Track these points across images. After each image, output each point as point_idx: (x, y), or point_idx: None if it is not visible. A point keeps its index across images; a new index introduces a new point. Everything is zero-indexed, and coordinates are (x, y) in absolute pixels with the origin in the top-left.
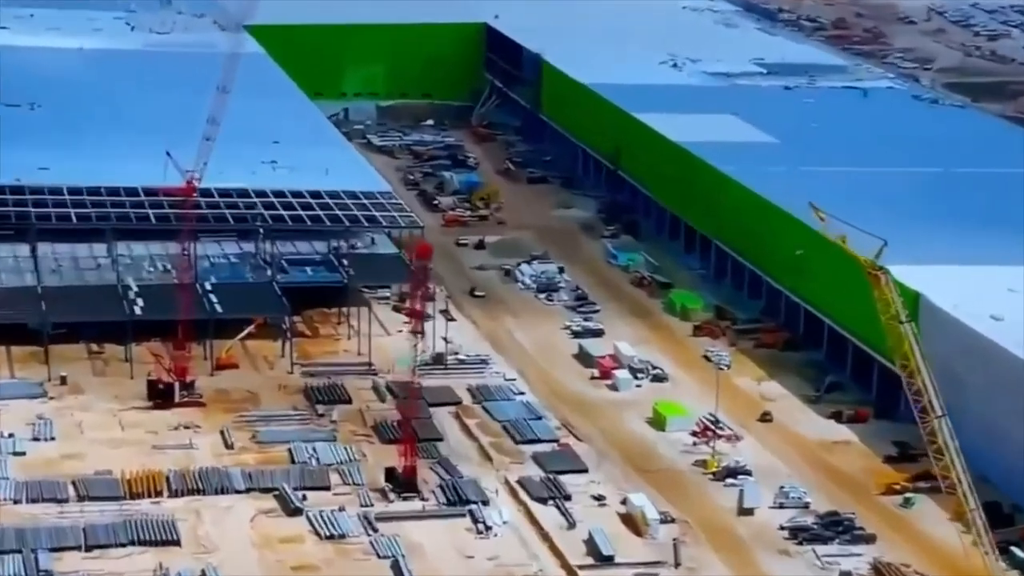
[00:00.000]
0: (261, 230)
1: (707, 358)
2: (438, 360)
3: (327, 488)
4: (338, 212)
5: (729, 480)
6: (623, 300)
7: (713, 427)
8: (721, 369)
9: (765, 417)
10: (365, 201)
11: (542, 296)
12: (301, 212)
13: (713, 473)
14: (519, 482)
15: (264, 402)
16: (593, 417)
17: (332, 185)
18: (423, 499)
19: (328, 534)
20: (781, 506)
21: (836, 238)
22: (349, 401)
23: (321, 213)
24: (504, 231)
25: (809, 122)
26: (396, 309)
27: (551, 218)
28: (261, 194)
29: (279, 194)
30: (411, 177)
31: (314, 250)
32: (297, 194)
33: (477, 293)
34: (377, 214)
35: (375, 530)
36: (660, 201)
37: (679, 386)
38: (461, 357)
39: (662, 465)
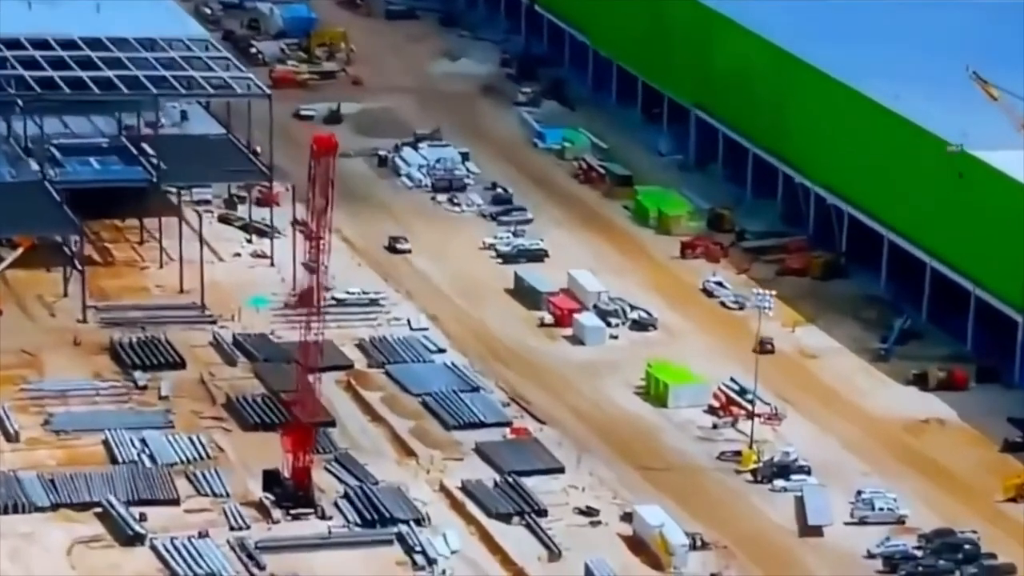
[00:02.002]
0: (19, 101)
1: (707, 292)
2: (305, 300)
3: (175, 502)
4: (135, 71)
5: (779, 482)
6: (564, 203)
7: (741, 400)
8: (764, 312)
9: (765, 347)
10: (172, 54)
11: (443, 198)
12: (78, 72)
13: (752, 471)
14: (464, 489)
15: (50, 367)
16: (554, 386)
17: (114, 28)
18: (324, 517)
19: (189, 575)
20: (863, 521)
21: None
22: (181, 364)
23: (109, 73)
24: (365, 96)
25: None
26: (225, 220)
27: (432, 76)
28: (12, 44)
29: (40, 44)
30: (207, 11)
31: (97, 131)
32: (67, 43)
33: (401, 246)
34: (195, 74)
35: (260, 566)
36: (601, 49)
37: (675, 336)
38: (338, 295)
39: (673, 460)
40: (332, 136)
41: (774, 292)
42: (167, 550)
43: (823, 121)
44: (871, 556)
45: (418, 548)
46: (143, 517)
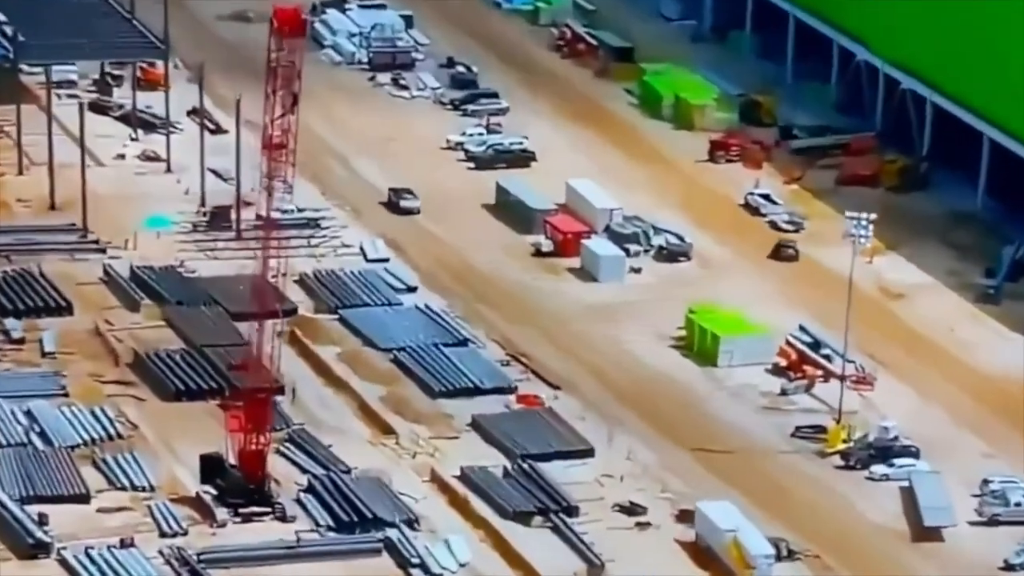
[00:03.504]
0: None
1: (750, 207)
2: (219, 219)
3: (83, 498)
4: None
5: (878, 468)
6: (546, 86)
7: (816, 356)
8: (860, 242)
9: (785, 250)
10: None
11: (385, 79)
12: None
13: (841, 453)
14: (465, 478)
15: None
16: (563, 337)
17: None
18: (284, 518)
19: None
20: (994, 520)
21: None
22: (67, 309)
23: None
24: None
25: None
26: (100, 109)
27: None
28: None
29: None
30: None
31: None
32: None
33: (407, 203)
34: None
35: None
36: None
37: (714, 269)
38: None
39: (732, 438)
40: (298, 9)
41: (874, 216)
42: (81, 564)
43: None
44: (1009, 568)
45: (415, 559)
46: (43, 519)
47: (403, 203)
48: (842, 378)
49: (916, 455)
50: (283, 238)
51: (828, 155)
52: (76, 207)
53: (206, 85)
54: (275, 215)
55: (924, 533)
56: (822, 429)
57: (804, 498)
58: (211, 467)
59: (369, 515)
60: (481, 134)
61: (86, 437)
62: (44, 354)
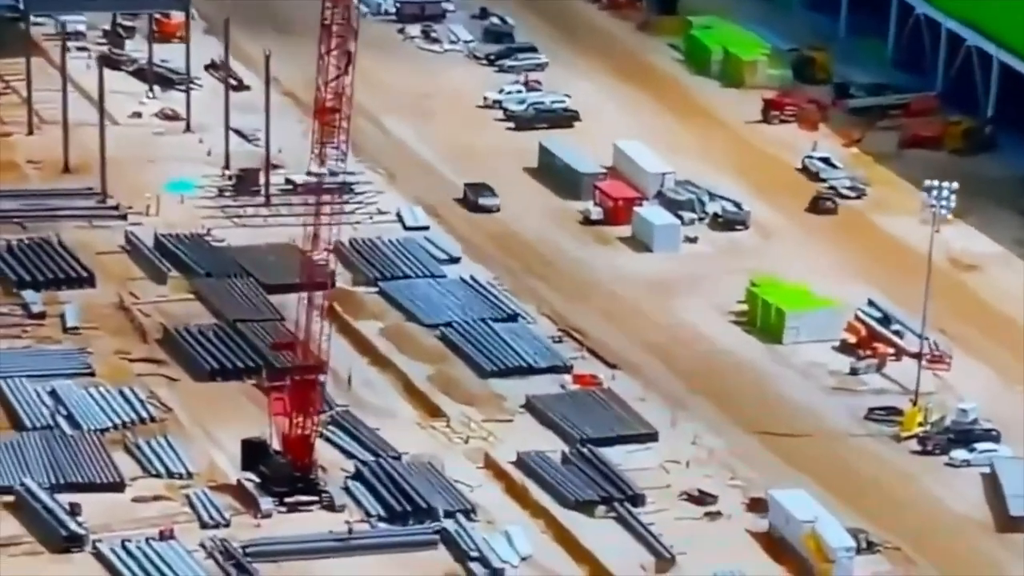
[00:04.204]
0: None
1: (809, 172)
2: (246, 183)
3: (117, 486)
4: None
5: (958, 453)
6: (585, 40)
7: (887, 332)
8: (942, 214)
9: (823, 203)
10: None
11: (415, 32)
12: None
13: (918, 437)
14: (522, 464)
15: None
16: (617, 312)
17: None
18: (333, 508)
19: None
20: None
21: None
22: (89, 280)
23: None
24: None
25: None
26: (112, 63)
27: None
28: None
29: None
30: None
31: None
32: None
33: (486, 200)
34: None
35: None
36: None
37: (773, 238)
38: (294, 177)
39: (801, 420)
40: None
41: (955, 185)
42: (119, 558)
43: None
44: None
45: (474, 552)
46: (75, 509)
47: (482, 201)
48: (919, 356)
49: (997, 439)
50: (331, 203)
51: (887, 116)
52: (91, 169)
53: (223, 38)
54: (307, 179)
55: (1010, 523)
56: (897, 411)
57: (879, 485)
58: (254, 453)
59: (424, 504)
60: (520, 91)
61: (116, 420)
62: (66, 329)
